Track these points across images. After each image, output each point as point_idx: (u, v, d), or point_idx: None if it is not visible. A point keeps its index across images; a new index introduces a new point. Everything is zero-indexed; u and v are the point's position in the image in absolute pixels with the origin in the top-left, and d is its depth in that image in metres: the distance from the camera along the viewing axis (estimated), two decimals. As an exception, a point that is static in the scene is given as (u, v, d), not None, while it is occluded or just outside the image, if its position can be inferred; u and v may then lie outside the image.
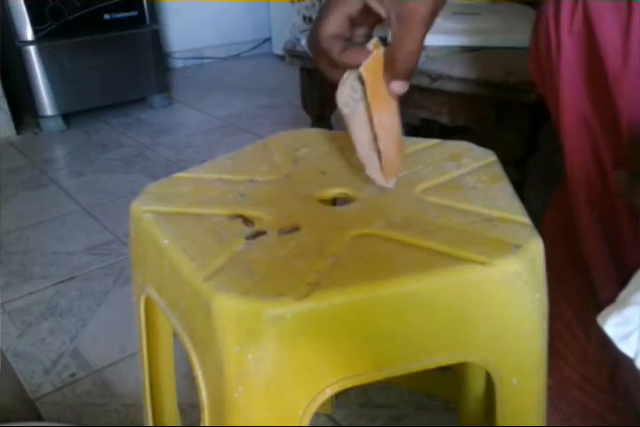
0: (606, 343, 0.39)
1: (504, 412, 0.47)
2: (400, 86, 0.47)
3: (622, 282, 0.36)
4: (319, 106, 1.50)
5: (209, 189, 0.54)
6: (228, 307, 0.39)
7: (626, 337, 0.37)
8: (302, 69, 1.48)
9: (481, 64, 0.95)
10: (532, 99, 0.88)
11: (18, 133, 2.13)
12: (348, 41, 0.48)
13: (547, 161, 1.22)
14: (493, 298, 0.42)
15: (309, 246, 0.44)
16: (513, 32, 1.03)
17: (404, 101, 0.53)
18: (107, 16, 2.12)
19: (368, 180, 0.52)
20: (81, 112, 2.23)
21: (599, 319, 0.39)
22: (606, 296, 0.43)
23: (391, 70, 0.46)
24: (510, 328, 0.44)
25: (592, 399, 0.60)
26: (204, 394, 0.43)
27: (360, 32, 0.50)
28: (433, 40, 1.04)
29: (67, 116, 2.20)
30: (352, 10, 0.47)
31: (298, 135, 0.66)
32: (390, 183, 0.52)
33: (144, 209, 0.51)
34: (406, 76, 0.47)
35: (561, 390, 0.61)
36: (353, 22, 0.48)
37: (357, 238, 0.45)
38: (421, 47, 0.46)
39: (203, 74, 2.89)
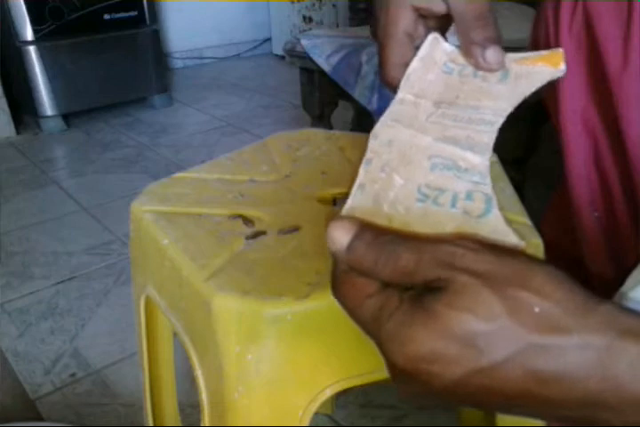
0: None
1: (504, 412, 0.47)
2: (495, 53, 0.36)
3: (621, 281, 0.36)
4: (319, 106, 1.50)
5: (209, 189, 0.54)
6: (228, 307, 0.39)
7: None
8: (302, 69, 1.48)
9: (481, 64, 0.95)
10: (531, 99, 0.88)
11: (18, 133, 2.13)
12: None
13: (547, 161, 1.22)
14: (493, 298, 0.42)
15: (309, 246, 0.44)
16: (513, 32, 1.03)
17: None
18: (107, 16, 2.12)
19: None
20: (81, 112, 2.23)
21: None
22: (604, 296, 0.43)
23: (471, 37, 0.36)
24: (510, 328, 0.44)
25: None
26: (204, 394, 0.43)
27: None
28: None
29: (67, 116, 2.20)
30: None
31: (298, 135, 0.66)
32: None
33: (144, 209, 0.51)
34: (492, 38, 0.36)
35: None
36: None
37: (357, 238, 0.45)
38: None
39: (202, 74, 2.89)
